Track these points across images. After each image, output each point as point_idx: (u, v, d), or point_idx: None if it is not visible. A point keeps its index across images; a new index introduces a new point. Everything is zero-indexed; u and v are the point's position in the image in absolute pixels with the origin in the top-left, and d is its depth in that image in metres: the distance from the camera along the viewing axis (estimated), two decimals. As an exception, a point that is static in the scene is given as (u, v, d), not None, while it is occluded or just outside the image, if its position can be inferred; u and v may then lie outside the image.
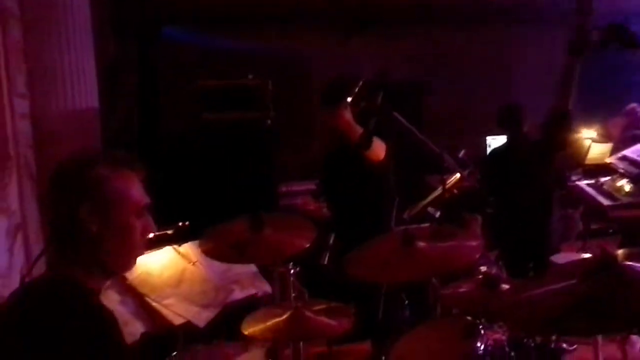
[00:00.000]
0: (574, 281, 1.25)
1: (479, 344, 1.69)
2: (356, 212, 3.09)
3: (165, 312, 2.30)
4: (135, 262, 1.58)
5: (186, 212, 2.76)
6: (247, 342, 2.35)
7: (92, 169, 1.48)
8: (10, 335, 1.43)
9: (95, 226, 1.45)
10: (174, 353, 2.26)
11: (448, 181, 3.29)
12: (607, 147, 6.25)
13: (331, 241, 2.38)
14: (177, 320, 2.29)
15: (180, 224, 2.65)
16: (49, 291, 1.45)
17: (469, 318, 1.77)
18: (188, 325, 2.31)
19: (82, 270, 1.47)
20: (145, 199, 1.54)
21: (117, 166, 1.51)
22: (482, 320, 1.69)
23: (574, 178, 5.40)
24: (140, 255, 1.58)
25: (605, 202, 4.86)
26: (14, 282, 2.62)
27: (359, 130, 2.82)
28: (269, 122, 3.98)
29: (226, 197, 3.78)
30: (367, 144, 2.66)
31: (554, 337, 1.63)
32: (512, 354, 1.65)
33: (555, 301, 1.23)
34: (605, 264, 1.23)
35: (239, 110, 4.06)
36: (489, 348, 1.69)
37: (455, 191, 3.94)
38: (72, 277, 1.46)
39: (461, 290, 1.72)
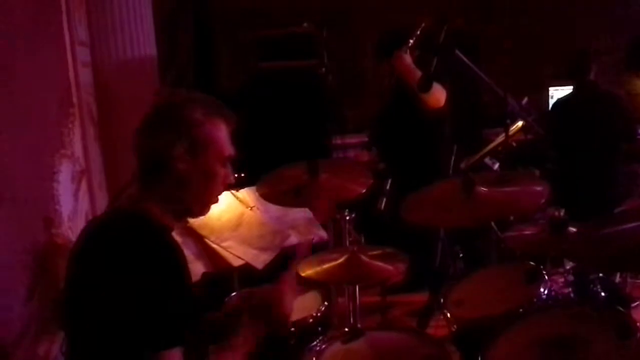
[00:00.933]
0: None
1: (542, 289, 1.65)
2: (413, 161, 3.04)
3: (224, 253, 2.34)
4: (210, 209, 1.62)
5: (242, 161, 2.78)
6: (303, 285, 2.37)
7: (191, 110, 1.52)
8: (90, 258, 1.51)
9: (185, 165, 1.50)
10: (233, 294, 2.31)
11: (511, 129, 3.18)
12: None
13: (388, 187, 2.35)
14: (236, 262, 2.34)
15: (235, 175, 2.68)
16: (128, 221, 1.51)
17: (531, 263, 1.72)
18: (246, 267, 2.35)
19: (160, 208, 1.53)
20: (230, 150, 1.58)
21: (211, 112, 1.54)
22: (547, 264, 1.64)
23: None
24: (216, 202, 1.62)
25: None
26: (80, 227, 2.73)
27: (419, 74, 2.74)
28: (323, 70, 3.93)
29: (281, 147, 3.79)
30: (428, 85, 2.58)
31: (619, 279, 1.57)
32: (576, 299, 1.60)
33: (626, 239, 1.17)
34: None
35: (294, 59, 4.03)
36: (552, 293, 1.65)
37: (514, 144, 3.81)
38: (150, 212, 1.51)
39: (526, 232, 1.67)
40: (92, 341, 1.47)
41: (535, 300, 1.62)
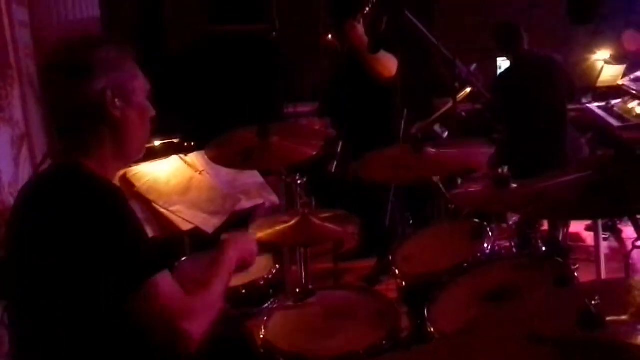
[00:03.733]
0: (588, 172, 1.24)
1: (486, 245, 1.70)
2: (364, 126, 3.05)
3: (173, 218, 2.31)
4: (145, 147, 1.57)
5: (191, 127, 2.74)
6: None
7: (102, 49, 1.43)
8: (29, 218, 1.44)
9: (119, 111, 1.43)
10: (183, 258, 2.29)
11: (459, 94, 3.22)
12: (619, 69, 6.10)
13: (339, 150, 2.35)
14: (186, 226, 2.31)
15: (185, 144, 2.65)
16: (63, 178, 1.44)
17: (476, 220, 1.77)
18: (196, 231, 2.33)
19: (94, 159, 1.45)
20: (147, 82, 1.51)
21: (122, 49, 1.46)
22: (491, 220, 1.70)
23: (584, 101, 5.31)
24: (150, 139, 1.57)
25: (616, 123, 4.80)
26: (22, 190, 2.63)
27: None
28: (274, 34, 3.87)
29: (231, 111, 3.74)
30: (378, 46, 2.58)
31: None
32: (518, 253, 1.67)
33: (569, 189, 1.22)
34: (620, 153, 1.21)
35: (245, 22, 3.95)
36: (496, 248, 1.71)
37: (463, 114, 3.87)
38: (83, 165, 1.44)
39: (471, 189, 1.72)
40: (52, 304, 1.39)
41: (479, 255, 1.67)
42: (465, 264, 1.62)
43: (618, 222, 4.12)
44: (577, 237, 4.00)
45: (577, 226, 3.95)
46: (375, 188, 2.61)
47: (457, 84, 2.73)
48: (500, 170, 1.56)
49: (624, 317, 0.94)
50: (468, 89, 3.23)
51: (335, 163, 2.37)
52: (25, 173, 2.94)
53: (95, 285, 1.35)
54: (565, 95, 3.86)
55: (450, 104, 3.07)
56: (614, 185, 1.18)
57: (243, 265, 1.65)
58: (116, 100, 1.43)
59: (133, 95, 1.47)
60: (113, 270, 1.35)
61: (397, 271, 1.81)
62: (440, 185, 1.99)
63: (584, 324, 0.86)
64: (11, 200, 2.56)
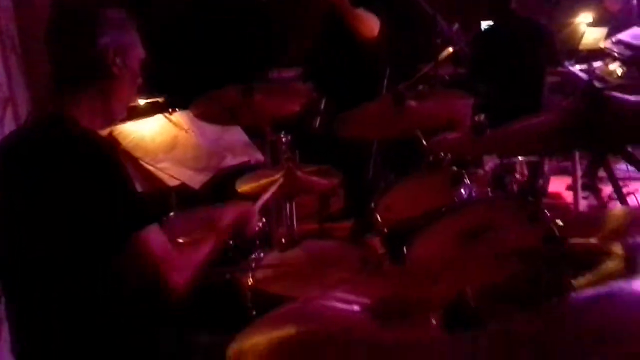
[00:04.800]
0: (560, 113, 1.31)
1: (463, 191, 1.77)
2: (348, 85, 3.09)
3: (160, 174, 2.35)
4: (126, 111, 1.63)
5: (176, 87, 2.75)
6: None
7: (109, 10, 1.50)
8: (18, 166, 1.47)
9: (117, 68, 1.48)
10: (171, 213, 2.34)
11: (441, 54, 3.26)
12: (602, 31, 6.15)
13: (322, 106, 2.39)
14: (172, 182, 2.35)
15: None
16: (51, 127, 1.47)
17: (454, 168, 1.84)
18: (183, 188, 2.37)
19: (84, 113, 1.50)
20: (143, 50, 1.57)
21: (124, 12, 1.52)
22: (469, 168, 1.77)
23: (567, 64, 5.37)
24: (134, 100, 1.62)
25: (596, 84, 4.87)
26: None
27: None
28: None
29: (217, 74, 3.74)
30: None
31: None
32: (494, 194, 1.75)
33: (542, 127, 1.29)
34: (590, 94, 1.27)
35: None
36: (473, 193, 1.78)
37: (447, 77, 3.91)
38: (72, 118, 1.48)
39: (449, 137, 1.78)
40: (43, 254, 1.42)
41: (456, 200, 1.75)
42: (443, 209, 1.69)
43: (597, 182, 4.24)
44: (557, 195, 4.11)
45: (558, 185, 4.06)
46: (357, 144, 2.66)
47: (438, 41, 2.77)
48: (476, 118, 1.61)
49: (591, 240, 1.01)
50: (450, 49, 3.25)
51: (318, 119, 2.41)
52: (10, 135, 2.95)
53: (87, 234, 1.39)
54: (545, 61, 3.91)
55: (432, 64, 3.10)
56: (583, 123, 1.25)
57: (239, 233, 1.72)
58: (116, 58, 1.49)
59: (130, 59, 1.54)
60: (107, 218, 1.39)
61: (379, 219, 1.87)
62: (422, 138, 2.05)
63: (547, 243, 0.92)
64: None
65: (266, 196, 1.94)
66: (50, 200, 1.40)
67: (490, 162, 1.82)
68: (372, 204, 1.89)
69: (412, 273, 1.04)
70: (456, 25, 3.56)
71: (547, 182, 3.76)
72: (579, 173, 3.64)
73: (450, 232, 1.51)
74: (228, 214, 1.69)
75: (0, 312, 1.76)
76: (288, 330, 0.82)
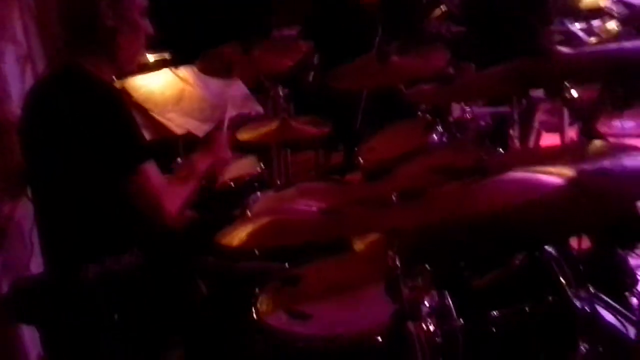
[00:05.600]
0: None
1: (434, 136, 2.02)
2: (341, 42, 3.27)
3: (168, 124, 2.58)
4: (138, 59, 1.85)
5: (182, 44, 2.96)
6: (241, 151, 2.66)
7: None
8: (40, 115, 1.73)
9: (111, 21, 1.70)
10: (178, 159, 2.58)
11: (430, 17, 3.41)
12: (603, -10, 6.22)
13: (316, 62, 2.60)
14: (179, 131, 2.59)
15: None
16: (67, 75, 1.72)
17: (428, 116, 2.08)
18: (189, 136, 2.61)
19: (94, 63, 1.73)
20: (145, 1, 1.77)
21: None
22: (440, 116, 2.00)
23: (566, 22, 5.48)
24: (142, 54, 1.84)
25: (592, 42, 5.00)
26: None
27: None
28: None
29: (221, 32, 3.92)
30: None
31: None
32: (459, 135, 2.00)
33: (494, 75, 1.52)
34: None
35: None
36: (443, 139, 2.02)
37: (448, 36, 4.05)
38: (84, 68, 1.72)
39: (424, 88, 2.00)
40: (67, 188, 1.70)
41: (428, 143, 1.99)
42: (416, 151, 1.93)
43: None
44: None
45: (553, 140, 4.22)
46: (347, 96, 2.87)
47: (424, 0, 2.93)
48: (446, 70, 1.83)
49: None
50: (442, 7, 3.41)
51: (312, 74, 2.62)
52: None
53: (97, 164, 1.65)
54: (537, 21, 4.03)
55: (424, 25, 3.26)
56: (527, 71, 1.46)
57: (217, 166, 1.95)
58: (109, 10, 1.69)
59: (127, 11, 1.73)
60: (113, 152, 1.65)
61: (361, 160, 2.12)
62: (403, 90, 2.26)
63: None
64: (20, 112, 2.82)
65: (226, 121, 2.14)
66: (72, 132, 1.66)
67: (457, 111, 2.04)
68: (357, 147, 2.13)
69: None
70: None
71: (538, 135, 3.95)
72: (567, 127, 3.80)
73: (420, 169, 1.75)
74: (204, 160, 1.92)
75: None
76: (264, 220, 1.10)
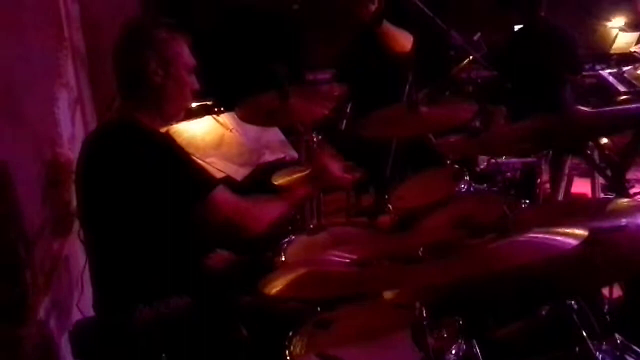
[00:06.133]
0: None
1: (462, 185, 2.10)
2: (373, 92, 3.38)
3: (208, 167, 2.73)
4: (184, 111, 2.00)
5: (223, 91, 3.13)
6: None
7: (158, 31, 1.86)
8: (97, 163, 1.88)
9: (159, 78, 1.85)
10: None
11: (460, 64, 3.53)
12: (634, 36, 6.27)
13: (348, 110, 2.72)
14: (219, 174, 2.73)
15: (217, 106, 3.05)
16: (122, 129, 1.87)
17: (456, 166, 2.16)
18: (227, 179, 2.75)
19: (145, 115, 1.89)
20: (193, 60, 1.93)
21: (173, 30, 1.89)
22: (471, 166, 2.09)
23: (597, 67, 5.53)
24: (188, 106, 2.00)
25: (623, 89, 5.03)
26: (77, 147, 3.07)
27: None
28: (296, 6, 4.20)
29: (258, 79, 4.10)
30: (379, 19, 2.88)
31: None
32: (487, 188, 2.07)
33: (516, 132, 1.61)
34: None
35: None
36: (471, 188, 2.10)
37: (479, 81, 4.17)
38: (137, 119, 1.88)
39: (451, 140, 2.10)
40: (122, 232, 1.82)
41: (457, 192, 2.07)
42: (444, 200, 2.01)
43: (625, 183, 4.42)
44: (582, 196, 4.31)
45: (584, 187, 4.25)
46: (378, 144, 2.97)
47: (452, 53, 3.06)
48: (473, 123, 1.93)
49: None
50: (470, 57, 3.53)
51: (344, 122, 2.74)
52: (79, 132, 3.38)
53: (160, 205, 1.78)
54: (565, 68, 4.12)
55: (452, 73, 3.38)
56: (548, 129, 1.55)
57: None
58: (158, 69, 1.85)
59: (173, 68, 1.89)
60: (182, 187, 1.79)
61: (391, 207, 2.21)
62: (432, 140, 2.36)
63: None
64: (70, 155, 3.00)
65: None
66: (131, 178, 1.80)
67: (484, 161, 2.12)
68: (387, 195, 2.22)
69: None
70: (478, 35, 3.83)
71: (570, 181, 3.99)
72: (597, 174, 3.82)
73: (446, 219, 1.83)
74: (301, 188, 2.08)
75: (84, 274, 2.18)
76: (300, 271, 1.21)
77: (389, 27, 3.16)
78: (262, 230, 1.82)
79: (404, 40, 3.21)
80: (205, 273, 1.87)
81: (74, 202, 2.56)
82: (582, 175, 4.31)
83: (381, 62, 3.40)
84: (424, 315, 1.14)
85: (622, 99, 4.57)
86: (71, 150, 3.10)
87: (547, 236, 1.10)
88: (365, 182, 2.70)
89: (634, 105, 1.68)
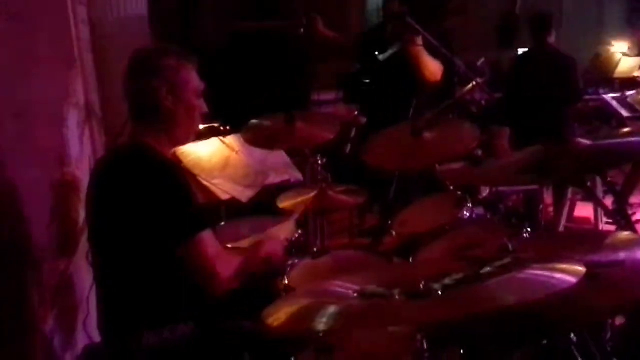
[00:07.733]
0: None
1: (464, 212, 2.13)
2: (379, 116, 3.42)
3: (214, 189, 2.77)
4: (194, 135, 2.05)
5: (229, 113, 3.18)
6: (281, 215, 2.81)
7: (167, 57, 1.91)
8: (108, 187, 1.92)
9: (169, 103, 1.90)
10: (222, 223, 2.75)
11: (464, 89, 3.55)
12: (636, 60, 6.34)
13: (352, 134, 2.76)
14: (224, 196, 2.76)
15: (223, 128, 3.09)
16: (133, 153, 1.92)
17: (459, 192, 2.19)
18: (232, 201, 2.78)
19: (155, 139, 1.94)
20: (201, 85, 1.98)
21: (181, 57, 1.94)
22: (472, 193, 2.12)
23: (600, 91, 5.59)
24: (197, 129, 2.04)
25: (625, 113, 5.07)
26: (85, 166, 3.11)
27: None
28: (301, 30, 4.25)
29: (262, 104, 4.16)
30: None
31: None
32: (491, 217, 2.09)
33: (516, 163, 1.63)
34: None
35: (272, 19, 4.34)
36: (473, 215, 2.13)
37: (483, 102, 4.21)
38: (147, 144, 1.92)
39: (452, 167, 2.13)
40: (123, 247, 1.86)
41: (459, 219, 2.10)
42: (446, 227, 2.04)
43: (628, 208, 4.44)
44: (585, 220, 4.34)
45: (587, 211, 4.28)
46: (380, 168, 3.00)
47: (455, 79, 3.10)
48: (475, 152, 1.96)
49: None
50: (472, 83, 3.56)
51: (349, 145, 2.78)
52: (87, 151, 3.42)
53: (156, 232, 1.82)
54: (565, 93, 4.18)
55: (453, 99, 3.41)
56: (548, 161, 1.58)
57: (268, 262, 2.07)
58: (168, 95, 1.90)
59: (183, 93, 1.93)
60: (172, 221, 1.82)
61: (394, 233, 2.24)
62: (436, 167, 2.39)
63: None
64: (78, 173, 3.04)
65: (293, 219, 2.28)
66: (135, 203, 1.84)
67: (486, 190, 2.15)
68: (389, 221, 2.25)
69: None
70: (482, 60, 3.89)
71: (573, 205, 4.02)
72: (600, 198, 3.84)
73: (448, 244, 1.86)
74: (263, 248, 2.05)
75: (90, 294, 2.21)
76: (302, 302, 1.23)
77: (423, 52, 3.16)
78: (224, 285, 1.83)
79: (436, 69, 3.21)
80: (211, 295, 1.89)
81: (81, 222, 2.61)
82: (585, 199, 4.34)
83: (384, 82, 3.42)
84: (425, 347, 1.16)
85: (624, 132, 4.61)
86: (79, 169, 3.15)
87: (545, 273, 1.12)
88: (369, 202, 2.72)
89: (634, 139, 1.71)
